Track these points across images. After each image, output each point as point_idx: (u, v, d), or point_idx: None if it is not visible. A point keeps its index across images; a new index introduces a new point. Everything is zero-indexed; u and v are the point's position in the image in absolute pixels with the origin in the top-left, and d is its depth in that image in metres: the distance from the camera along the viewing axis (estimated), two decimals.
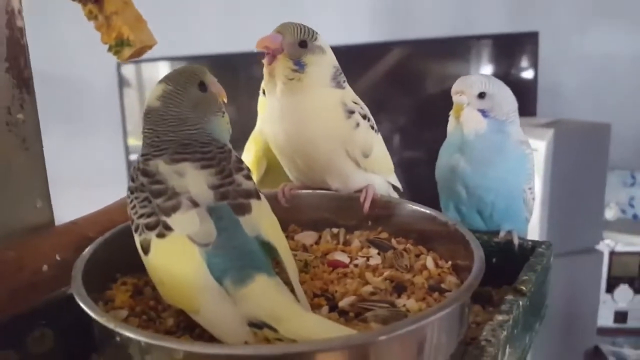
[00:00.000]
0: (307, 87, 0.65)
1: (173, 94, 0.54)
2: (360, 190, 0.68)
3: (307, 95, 0.65)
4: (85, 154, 2.29)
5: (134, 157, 2.10)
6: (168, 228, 0.47)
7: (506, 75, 1.89)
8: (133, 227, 0.50)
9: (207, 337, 0.45)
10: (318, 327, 0.42)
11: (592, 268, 1.72)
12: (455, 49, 1.95)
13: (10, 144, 0.58)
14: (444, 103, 0.73)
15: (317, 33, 0.66)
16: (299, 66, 0.64)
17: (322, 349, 0.38)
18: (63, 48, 2.16)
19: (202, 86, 0.56)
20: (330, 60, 0.68)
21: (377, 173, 0.71)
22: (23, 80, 0.58)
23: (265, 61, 0.66)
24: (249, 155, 0.83)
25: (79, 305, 0.44)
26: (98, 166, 2.26)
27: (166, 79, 0.55)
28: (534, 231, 1.55)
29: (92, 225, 0.60)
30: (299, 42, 0.64)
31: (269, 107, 0.69)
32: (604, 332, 1.83)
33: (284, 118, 0.66)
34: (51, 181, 0.63)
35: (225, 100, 0.59)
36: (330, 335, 0.40)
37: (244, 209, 0.50)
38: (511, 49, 1.91)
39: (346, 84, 0.69)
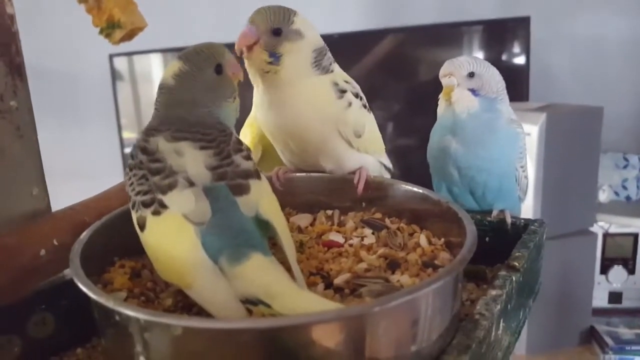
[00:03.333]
0: (285, 79, 0.63)
1: (188, 74, 0.54)
2: (353, 172, 0.69)
3: (289, 87, 0.64)
4: (80, 147, 2.28)
5: (128, 150, 2.10)
6: (163, 206, 0.48)
7: (498, 60, 1.89)
8: (130, 204, 0.51)
9: (204, 315, 0.45)
10: (312, 303, 0.42)
11: (586, 250, 1.73)
12: (446, 36, 1.94)
13: (5, 131, 0.58)
14: (436, 89, 0.73)
15: (294, 14, 0.63)
16: (274, 58, 0.62)
17: (317, 321, 0.38)
18: (55, 41, 2.15)
19: (219, 68, 0.55)
20: (311, 43, 0.65)
21: (369, 153, 0.71)
22: (15, 67, 0.58)
23: (243, 51, 0.63)
24: (244, 141, 0.83)
25: (77, 289, 0.44)
26: (92, 159, 2.25)
27: (184, 57, 0.55)
28: (527, 215, 1.55)
29: (89, 211, 0.60)
30: (273, 30, 0.62)
31: (256, 96, 0.68)
32: (598, 312, 1.85)
33: (272, 108, 0.66)
34: (45, 174, 0.63)
35: (242, 80, 0.58)
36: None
37: (242, 190, 0.50)
38: (503, 34, 1.90)
39: (334, 66, 0.68)
